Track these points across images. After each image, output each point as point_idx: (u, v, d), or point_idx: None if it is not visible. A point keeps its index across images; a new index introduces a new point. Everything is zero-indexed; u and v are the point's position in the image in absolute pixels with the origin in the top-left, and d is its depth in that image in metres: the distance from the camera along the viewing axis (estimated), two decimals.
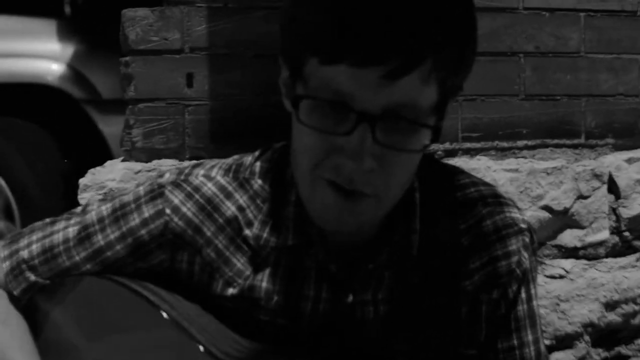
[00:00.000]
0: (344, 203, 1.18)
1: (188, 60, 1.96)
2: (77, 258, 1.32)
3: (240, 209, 1.30)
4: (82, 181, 1.87)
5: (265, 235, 1.29)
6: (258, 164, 1.32)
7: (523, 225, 1.34)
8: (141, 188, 1.32)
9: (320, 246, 1.27)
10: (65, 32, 3.50)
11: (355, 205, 1.18)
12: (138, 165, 1.89)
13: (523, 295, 1.35)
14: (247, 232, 1.29)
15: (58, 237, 1.33)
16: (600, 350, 2.31)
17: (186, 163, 1.91)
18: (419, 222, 1.30)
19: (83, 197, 1.84)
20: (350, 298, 1.29)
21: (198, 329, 1.30)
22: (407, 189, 1.28)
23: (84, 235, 1.32)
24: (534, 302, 1.37)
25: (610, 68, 2.35)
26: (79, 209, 1.37)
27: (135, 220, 1.30)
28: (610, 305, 2.30)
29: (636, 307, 2.33)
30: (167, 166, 1.89)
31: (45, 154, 3.27)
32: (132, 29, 1.90)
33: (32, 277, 1.32)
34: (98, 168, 1.90)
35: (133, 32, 1.90)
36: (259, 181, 1.30)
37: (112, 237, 1.32)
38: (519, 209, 1.36)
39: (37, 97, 3.25)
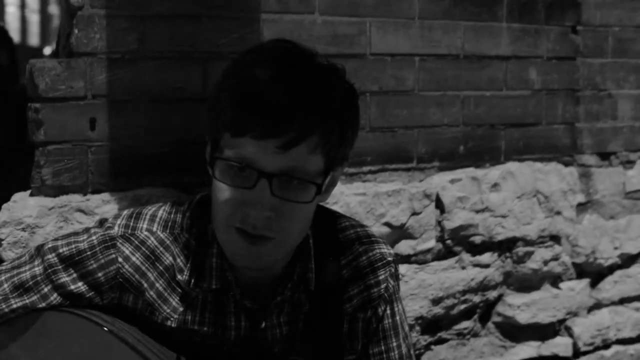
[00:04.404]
0: (250, 246, 1.50)
1: (91, 106, 2.09)
2: (45, 290, 1.56)
3: (174, 258, 1.60)
4: (0, 217, 2.02)
5: (193, 280, 1.58)
6: (185, 221, 1.64)
7: (390, 259, 1.69)
8: (94, 238, 1.58)
9: (237, 288, 1.59)
10: None
11: (259, 248, 1.50)
12: (50, 202, 2.04)
13: (388, 312, 1.70)
14: (179, 277, 1.59)
15: (26, 275, 1.57)
16: (427, 336, 2.68)
17: (92, 197, 2.13)
18: (313, 262, 1.63)
19: (2, 232, 2.00)
20: (263, 324, 1.62)
21: (135, 339, 1.58)
22: (304, 235, 1.58)
23: (50, 272, 1.56)
24: (397, 317, 1.71)
25: (438, 103, 2.64)
26: (31, 250, 1.61)
27: (92, 265, 1.57)
28: (435, 301, 2.66)
29: (455, 301, 2.70)
30: (75, 202, 2.07)
31: None
32: (42, 78, 2.03)
33: (5, 309, 1.56)
34: (11, 204, 2.04)
35: (42, 82, 2.03)
36: (186, 235, 1.62)
37: (74, 275, 1.57)
38: (386, 245, 1.70)
39: None
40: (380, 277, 1.69)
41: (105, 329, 1.58)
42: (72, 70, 2.08)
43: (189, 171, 2.23)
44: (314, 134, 1.47)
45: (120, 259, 1.59)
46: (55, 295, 1.58)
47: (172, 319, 1.61)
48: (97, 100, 2.12)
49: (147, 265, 1.61)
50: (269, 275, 1.62)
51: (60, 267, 1.58)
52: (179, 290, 1.61)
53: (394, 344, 1.73)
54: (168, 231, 1.63)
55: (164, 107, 2.21)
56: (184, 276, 1.60)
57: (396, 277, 1.73)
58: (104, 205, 2.12)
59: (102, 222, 1.66)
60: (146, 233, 1.62)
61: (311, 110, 1.45)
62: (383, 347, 1.72)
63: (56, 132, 2.08)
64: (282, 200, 1.48)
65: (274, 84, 1.45)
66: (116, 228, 1.62)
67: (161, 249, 1.62)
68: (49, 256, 1.59)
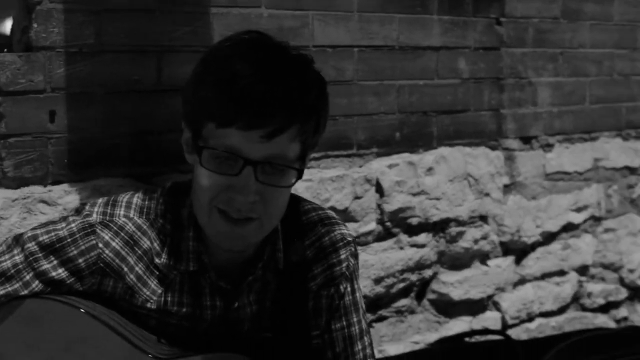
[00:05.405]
0: (233, 228, 1.59)
1: (50, 99, 2.12)
2: (27, 277, 1.61)
3: (152, 242, 1.68)
4: None
5: (171, 263, 1.67)
6: (159, 207, 1.71)
7: (350, 239, 1.79)
8: (73, 225, 1.64)
9: (212, 270, 1.68)
10: None
11: (242, 229, 1.60)
12: (13, 194, 2.07)
13: (349, 289, 1.80)
14: (157, 260, 1.67)
15: (7, 264, 1.62)
16: (369, 315, 2.77)
17: (54, 188, 2.16)
18: (281, 242, 1.73)
19: None
20: (236, 304, 1.71)
21: (116, 323, 1.65)
22: (281, 218, 1.67)
23: (32, 260, 1.61)
24: (357, 294, 1.81)
25: (376, 92, 2.75)
26: (8, 240, 1.65)
27: (73, 251, 1.63)
28: (377, 280, 2.77)
29: (394, 280, 2.82)
30: (38, 193, 2.11)
31: None
32: (2, 72, 2.06)
33: None
34: None
35: (3, 76, 2.06)
36: (161, 221, 1.70)
37: (55, 262, 1.62)
38: (345, 226, 1.81)
39: None
40: (342, 256, 1.79)
41: (84, 311, 1.64)
42: (31, 64, 2.12)
43: (146, 161, 2.29)
44: (294, 124, 1.57)
45: (100, 245, 1.65)
46: (37, 282, 1.63)
47: (151, 300, 1.68)
48: (56, 93, 2.15)
49: (126, 249, 1.67)
50: (241, 257, 1.71)
51: (40, 254, 1.63)
52: (157, 272, 1.68)
53: (355, 319, 1.83)
54: (144, 217, 1.70)
55: (121, 99, 2.26)
56: (162, 259, 1.67)
57: (355, 256, 1.84)
58: (66, 195, 2.16)
59: (78, 211, 1.71)
60: (124, 219, 1.68)
61: (292, 104, 1.56)
62: (344, 323, 1.82)
63: (17, 125, 2.11)
64: (265, 186, 1.57)
65: (256, 78, 1.55)
66: (94, 215, 1.68)
67: (139, 233, 1.68)
68: (29, 244, 1.64)
